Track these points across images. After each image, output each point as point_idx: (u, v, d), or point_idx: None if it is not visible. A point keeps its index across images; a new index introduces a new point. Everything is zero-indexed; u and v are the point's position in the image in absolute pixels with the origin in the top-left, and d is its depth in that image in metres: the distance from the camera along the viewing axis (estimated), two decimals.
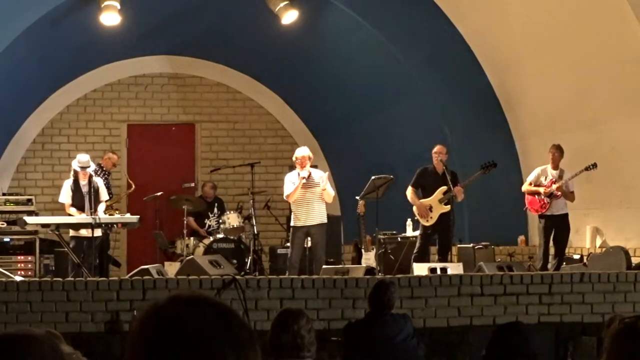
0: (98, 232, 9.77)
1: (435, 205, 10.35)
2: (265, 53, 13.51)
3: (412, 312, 7.89)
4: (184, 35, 13.43)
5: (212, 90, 14.54)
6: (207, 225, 12.57)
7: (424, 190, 10.52)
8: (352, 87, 13.34)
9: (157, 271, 8.73)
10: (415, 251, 10.44)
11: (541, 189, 10.30)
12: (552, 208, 10.31)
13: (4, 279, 8.11)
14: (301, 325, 4.60)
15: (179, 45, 13.85)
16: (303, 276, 8.63)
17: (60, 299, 7.66)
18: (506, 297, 8.38)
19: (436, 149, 10.55)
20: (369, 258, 10.98)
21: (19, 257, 11.70)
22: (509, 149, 12.42)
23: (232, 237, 11.88)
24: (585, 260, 10.67)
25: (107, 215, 10.03)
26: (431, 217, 10.37)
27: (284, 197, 10.31)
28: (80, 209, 10.16)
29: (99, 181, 10.56)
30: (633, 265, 9.66)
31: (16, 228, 11.70)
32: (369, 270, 9.49)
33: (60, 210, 10.95)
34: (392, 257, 11.19)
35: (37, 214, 11.60)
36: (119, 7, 11.34)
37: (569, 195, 10.30)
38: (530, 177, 10.58)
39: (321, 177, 10.11)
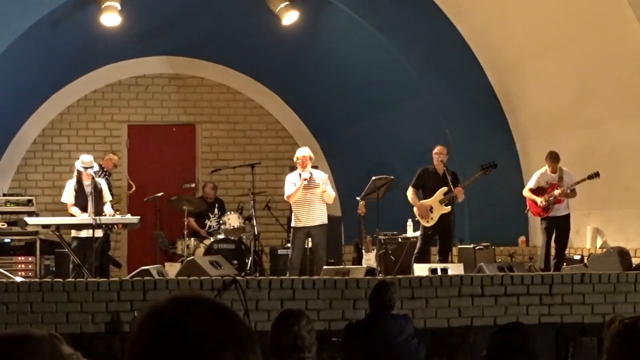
0: (99, 233, 9.78)
1: (436, 206, 10.34)
2: (265, 54, 13.51)
3: (412, 312, 7.89)
4: (184, 35, 13.43)
5: (213, 91, 14.54)
6: (207, 226, 12.57)
7: (425, 190, 10.51)
8: (352, 88, 13.34)
9: (158, 272, 8.73)
10: (415, 252, 10.44)
11: (538, 200, 10.30)
12: (554, 210, 10.33)
13: (4, 280, 8.11)
14: (302, 326, 4.60)
15: (179, 45, 13.86)
16: (304, 277, 8.63)
17: (60, 300, 7.66)
18: (507, 298, 8.38)
19: (437, 149, 10.55)
20: (369, 259, 10.98)
21: (19, 258, 11.70)
22: (509, 149, 12.42)
23: (232, 238, 11.88)
24: (585, 261, 10.67)
25: (108, 216, 10.04)
26: (432, 218, 10.36)
27: (285, 198, 10.31)
28: (83, 209, 10.17)
29: (102, 182, 10.57)
30: (633, 266, 9.65)
31: (17, 229, 11.70)
32: (370, 271, 9.48)
33: (61, 210, 10.96)
34: (392, 257, 11.19)
35: (37, 215, 11.60)
36: (119, 7, 11.34)
37: (571, 195, 10.31)
38: (530, 184, 10.57)
39: (321, 178, 10.11)
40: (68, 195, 10.36)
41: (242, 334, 1.57)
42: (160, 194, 12.25)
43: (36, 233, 11.65)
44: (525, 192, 10.61)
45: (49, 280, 8.15)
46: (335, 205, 12.60)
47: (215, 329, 1.54)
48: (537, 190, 10.47)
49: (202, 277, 8.19)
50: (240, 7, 12.52)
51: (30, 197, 12.46)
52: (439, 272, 9.19)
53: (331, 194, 10.19)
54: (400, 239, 11.66)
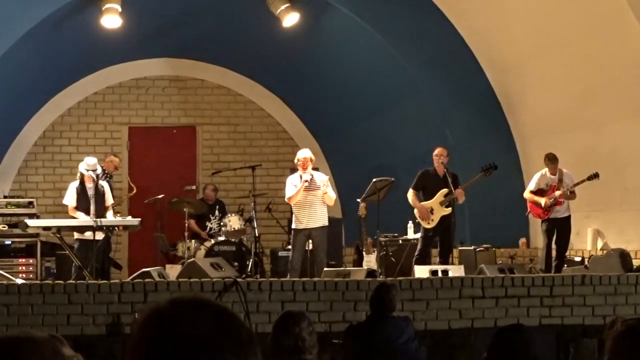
0: (100, 235, 9.78)
1: (436, 207, 10.34)
2: (266, 55, 13.51)
3: (413, 314, 7.90)
4: (185, 37, 13.44)
5: (213, 93, 14.54)
6: (208, 228, 12.57)
7: (425, 192, 10.51)
8: (353, 89, 13.35)
9: (159, 274, 8.73)
10: (416, 253, 10.44)
11: (542, 201, 10.30)
12: (554, 212, 10.33)
13: (5, 282, 8.11)
14: (302, 328, 4.61)
15: (180, 47, 13.86)
16: (304, 279, 8.64)
17: (61, 302, 7.66)
18: (507, 300, 8.38)
19: (437, 151, 10.55)
20: (370, 260, 10.97)
21: (20, 260, 11.70)
22: (509, 151, 12.41)
23: (233, 240, 11.88)
24: (586, 263, 10.67)
25: (108, 218, 10.05)
26: (432, 220, 10.36)
27: (286, 200, 10.31)
28: (86, 211, 10.17)
29: (106, 185, 10.57)
30: (634, 267, 9.65)
31: (17, 231, 11.69)
32: (370, 273, 9.49)
33: (62, 212, 10.95)
34: (393, 259, 11.19)
35: (38, 217, 11.61)
36: (120, 10, 11.35)
37: (571, 197, 10.32)
38: (531, 186, 10.57)
39: (322, 180, 10.11)
40: (70, 198, 10.36)
41: (243, 336, 1.57)
42: (160, 196, 12.25)
43: (37, 235, 11.65)
44: (526, 195, 10.61)
45: (50, 282, 8.15)
46: (336, 207, 12.60)
47: (215, 331, 1.54)
48: (537, 192, 10.47)
49: (202, 279, 8.20)
50: (240, 9, 12.52)
51: (31, 199, 12.47)
52: (440, 274, 9.18)
53: (332, 195, 10.19)
54: (400, 241, 11.66)
